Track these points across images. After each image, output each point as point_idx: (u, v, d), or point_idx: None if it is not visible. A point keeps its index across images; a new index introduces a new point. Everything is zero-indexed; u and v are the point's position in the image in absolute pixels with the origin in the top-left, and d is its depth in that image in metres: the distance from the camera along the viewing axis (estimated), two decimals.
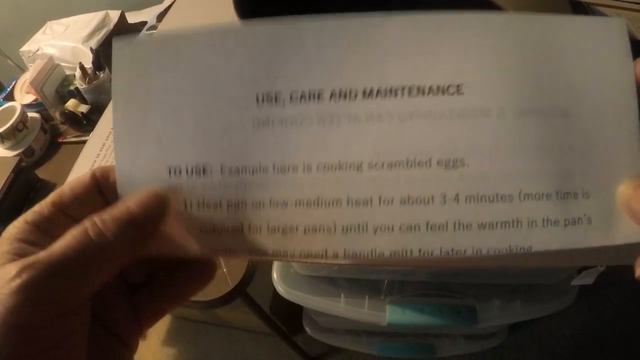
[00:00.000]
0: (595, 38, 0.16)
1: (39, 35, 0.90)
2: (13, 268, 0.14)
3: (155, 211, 0.16)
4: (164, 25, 0.43)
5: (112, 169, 0.18)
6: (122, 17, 0.91)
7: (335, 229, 0.16)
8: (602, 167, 0.16)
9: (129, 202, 0.16)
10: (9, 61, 1.00)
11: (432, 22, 0.17)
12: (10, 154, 0.74)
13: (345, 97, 0.16)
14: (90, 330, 0.16)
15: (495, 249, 0.16)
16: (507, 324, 0.84)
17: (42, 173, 0.75)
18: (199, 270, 0.19)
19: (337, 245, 0.16)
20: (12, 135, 0.74)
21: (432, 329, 0.82)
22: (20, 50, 0.89)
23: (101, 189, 0.18)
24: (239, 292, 0.57)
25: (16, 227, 0.16)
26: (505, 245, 0.16)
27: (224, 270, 0.58)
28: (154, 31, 0.39)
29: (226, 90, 0.16)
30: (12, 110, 0.75)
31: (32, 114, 0.78)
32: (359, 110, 0.16)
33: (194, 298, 0.47)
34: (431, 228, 0.16)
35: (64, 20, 0.92)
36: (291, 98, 0.16)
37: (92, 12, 0.91)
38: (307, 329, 0.90)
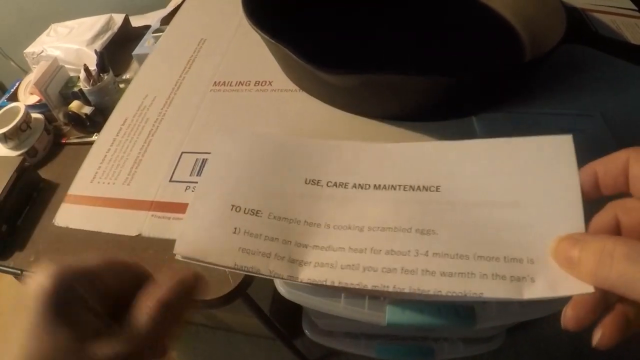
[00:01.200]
0: (549, 152, 0.23)
1: (43, 38, 0.91)
2: None
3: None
4: (172, 29, 0.43)
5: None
6: (126, 21, 0.92)
7: (336, 265, 0.22)
8: (546, 240, 0.21)
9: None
10: (12, 63, 1.00)
11: (427, 148, 0.26)
12: (13, 153, 0.74)
13: (362, 187, 0.25)
14: None
15: (453, 292, 0.21)
16: (505, 326, 0.84)
17: (44, 173, 0.75)
18: None
19: (334, 277, 0.22)
20: (16, 135, 0.74)
21: (431, 330, 0.82)
22: (25, 51, 0.89)
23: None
24: (240, 292, 0.58)
25: None
26: (460, 290, 0.21)
27: (226, 270, 0.58)
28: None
29: (286, 173, 0.25)
30: (15, 110, 0.76)
31: (35, 115, 0.79)
32: (369, 196, 0.24)
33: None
34: (405, 272, 0.21)
35: (68, 23, 0.92)
36: (327, 184, 0.25)
37: (96, 15, 0.92)
38: (306, 331, 0.91)
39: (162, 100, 0.34)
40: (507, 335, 0.90)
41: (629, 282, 0.17)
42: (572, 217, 0.21)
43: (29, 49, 0.89)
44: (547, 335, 1.02)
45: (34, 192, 0.72)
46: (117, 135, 0.31)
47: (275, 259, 0.22)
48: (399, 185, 0.24)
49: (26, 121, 0.75)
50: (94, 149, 0.31)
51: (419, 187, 0.24)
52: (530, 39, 0.34)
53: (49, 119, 0.80)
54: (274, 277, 0.22)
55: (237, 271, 0.22)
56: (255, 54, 0.36)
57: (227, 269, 0.22)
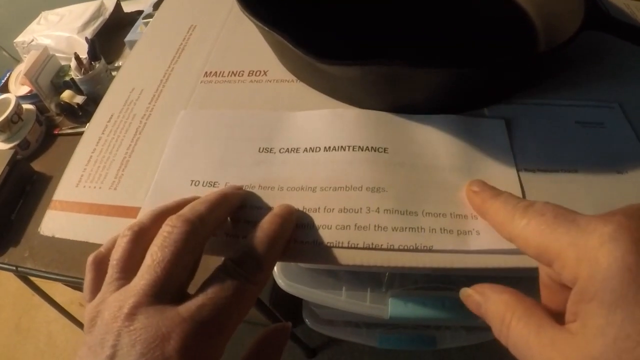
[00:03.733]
0: (486, 129, 0.26)
1: (33, 26, 0.89)
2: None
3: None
4: (160, 15, 0.41)
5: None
6: (117, 6, 0.90)
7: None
8: None
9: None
10: (4, 52, 0.98)
11: (378, 114, 0.27)
12: (5, 146, 0.73)
13: (313, 150, 0.26)
14: None
15: (404, 245, 0.22)
16: None
17: (37, 165, 0.74)
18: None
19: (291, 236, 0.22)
20: (7, 127, 0.73)
21: (434, 321, 0.82)
22: (15, 41, 0.87)
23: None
24: None
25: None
26: (411, 243, 0.22)
27: None
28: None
29: (240, 145, 0.27)
30: (6, 102, 0.74)
31: (27, 106, 0.77)
32: (320, 158, 0.25)
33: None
34: (358, 228, 0.22)
35: (59, 10, 0.90)
36: (280, 151, 0.26)
37: (87, 1, 0.89)
38: (306, 320, 0.90)
39: (149, 94, 0.32)
40: None
41: (523, 346, 0.17)
42: (509, 179, 0.24)
43: (19, 38, 0.87)
44: None
45: (27, 185, 0.71)
46: (103, 134, 0.29)
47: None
48: (349, 146, 0.25)
49: (17, 112, 0.73)
50: (78, 149, 0.29)
51: (367, 147, 0.25)
52: (544, 24, 0.31)
53: (41, 110, 0.78)
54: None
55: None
56: (248, 41, 0.34)
57: None
